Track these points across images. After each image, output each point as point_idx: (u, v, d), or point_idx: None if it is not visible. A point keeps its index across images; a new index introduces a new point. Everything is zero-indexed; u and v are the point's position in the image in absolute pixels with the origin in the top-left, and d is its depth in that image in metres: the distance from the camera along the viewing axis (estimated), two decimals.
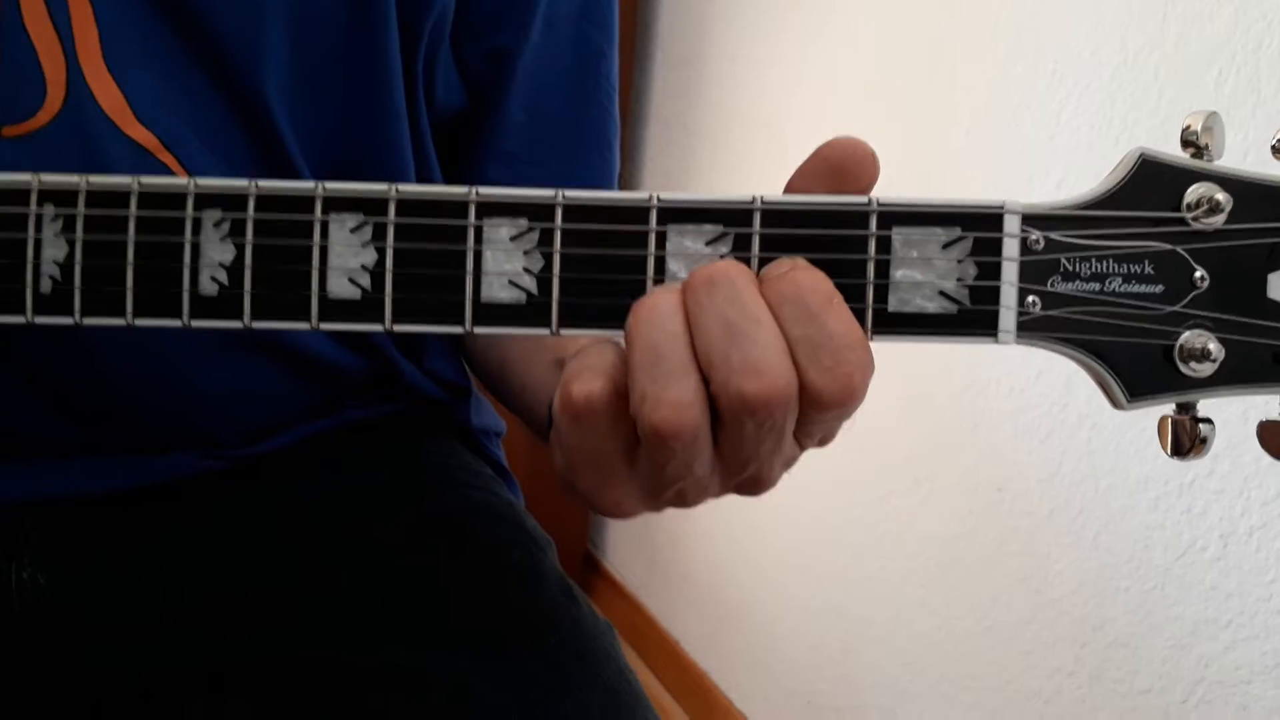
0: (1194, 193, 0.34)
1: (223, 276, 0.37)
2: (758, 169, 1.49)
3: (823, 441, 0.35)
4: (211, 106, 0.49)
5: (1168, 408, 0.36)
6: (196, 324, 0.37)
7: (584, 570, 1.92)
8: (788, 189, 0.35)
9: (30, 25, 0.45)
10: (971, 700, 1.10)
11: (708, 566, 1.59)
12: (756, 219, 0.34)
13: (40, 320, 0.38)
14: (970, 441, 1.09)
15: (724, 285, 0.32)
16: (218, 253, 0.37)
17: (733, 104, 1.57)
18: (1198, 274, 0.34)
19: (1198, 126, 0.35)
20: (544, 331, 0.35)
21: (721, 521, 1.55)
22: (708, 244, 0.34)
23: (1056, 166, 1.00)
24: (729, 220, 0.34)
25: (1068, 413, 0.99)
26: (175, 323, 0.37)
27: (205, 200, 0.37)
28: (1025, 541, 1.03)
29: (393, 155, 0.53)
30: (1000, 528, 1.06)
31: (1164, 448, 0.36)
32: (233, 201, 0.36)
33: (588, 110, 0.59)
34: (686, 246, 0.34)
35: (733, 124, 1.57)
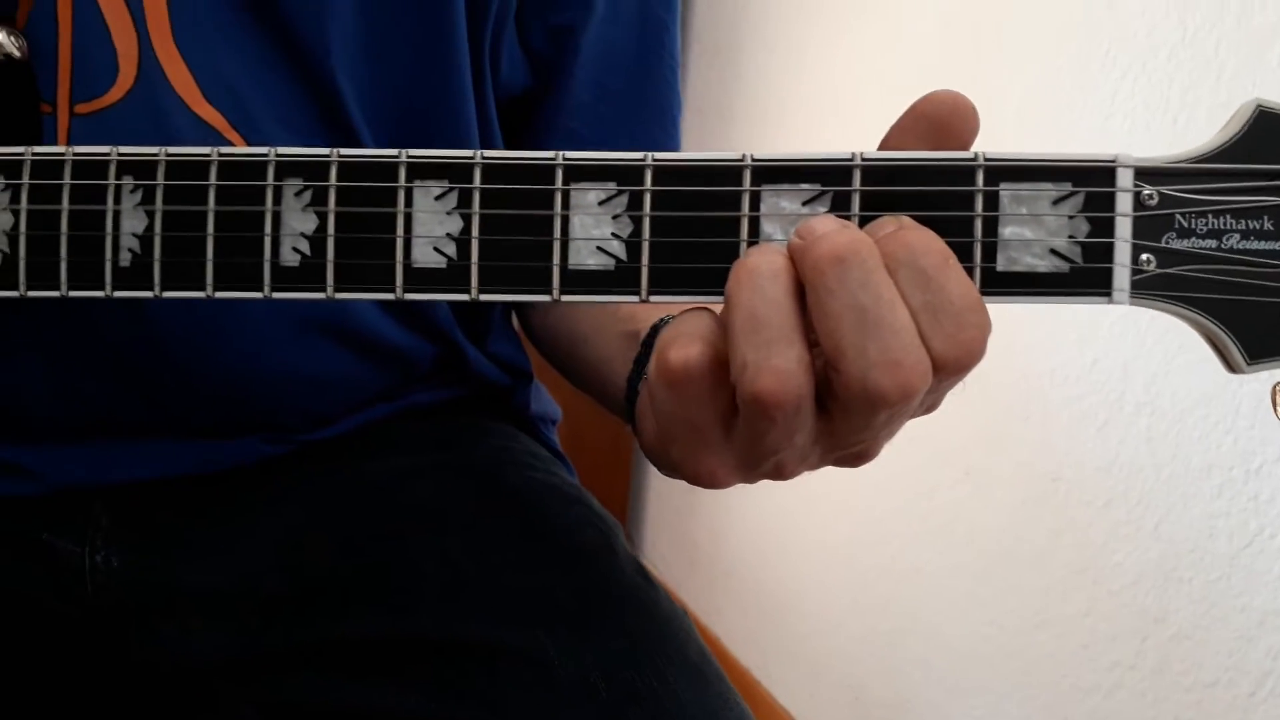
0: None
1: (304, 246, 0.36)
2: None
3: (929, 409, 0.34)
4: (279, 84, 0.49)
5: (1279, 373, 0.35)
6: (278, 295, 0.36)
7: None
8: (882, 147, 0.34)
9: (103, 1, 0.45)
10: (1025, 695, 1.08)
11: (750, 562, 1.57)
12: (856, 176, 0.32)
13: (119, 294, 0.37)
14: (1024, 431, 1.08)
15: (855, 267, 0.29)
16: (299, 222, 0.36)
17: (771, 93, 1.56)
18: None
19: None
20: (633, 298, 0.34)
21: (764, 516, 1.53)
22: (804, 204, 0.33)
23: (1111, 150, 0.98)
24: (827, 179, 0.33)
25: (1125, 400, 0.97)
26: (256, 294, 0.36)
27: (286, 169, 0.36)
28: (1082, 532, 1.01)
29: (459, 133, 0.53)
30: (1056, 518, 1.04)
31: (1278, 413, 0.35)
32: (314, 170, 0.36)
33: (652, 86, 0.58)
34: (783, 207, 0.33)
35: (771, 113, 1.56)
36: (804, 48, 1.48)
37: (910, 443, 1.27)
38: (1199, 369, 0.89)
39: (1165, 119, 0.93)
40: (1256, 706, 0.85)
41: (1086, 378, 1.00)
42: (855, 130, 1.39)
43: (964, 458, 1.15)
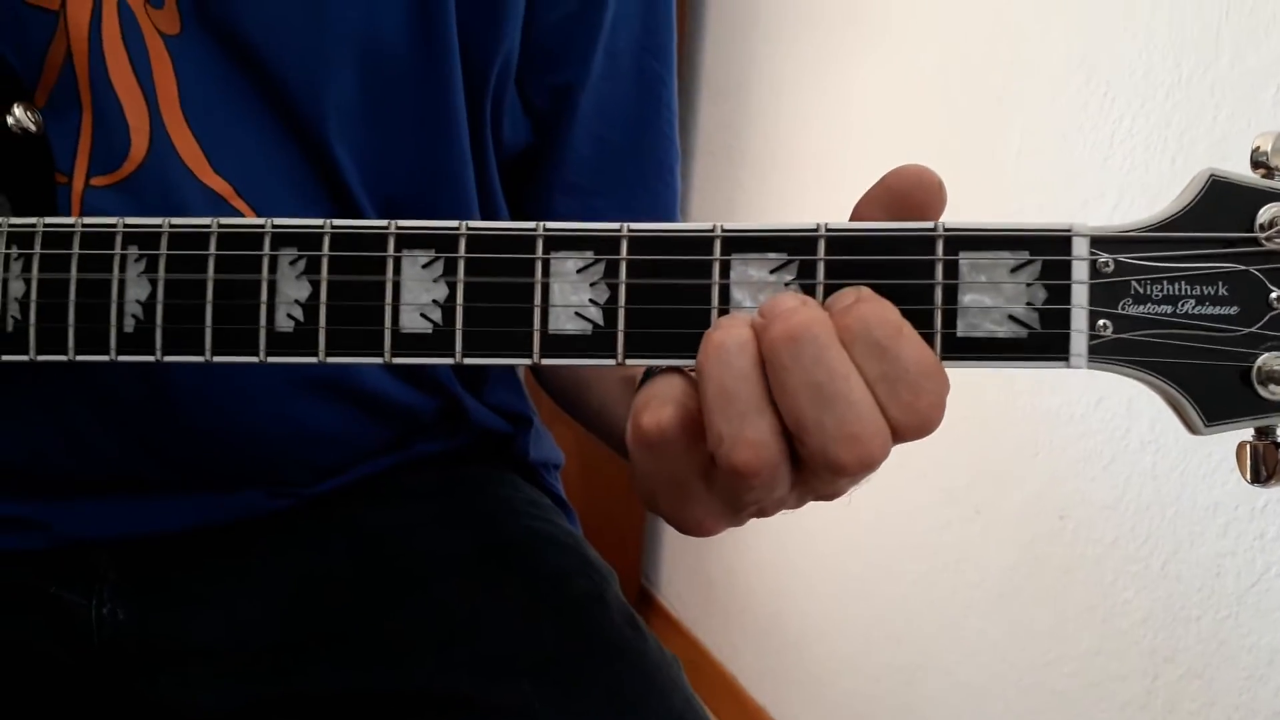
0: (1267, 213, 0.34)
1: (298, 313, 0.38)
2: (806, 199, 1.49)
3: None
4: (282, 154, 0.50)
5: (1246, 433, 0.35)
6: (272, 359, 0.38)
7: (638, 605, 1.91)
8: (853, 217, 0.35)
9: (115, 78, 0.47)
10: None
11: (765, 599, 1.57)
12: (821, 246, 0.34)
13: (123, 358, 0.39)
14: (1031, 468, 1.08)
15: (808, 344, 0.30)
16: (293, 290, 0.38)
17: (779, 135, 1.58)
18: (1274, 295, 0.33)
19: (1268, 147, 0.35)
20: (609, 361, 0.36)
21: (779, 554, 1.53)
22: (772, 272, 0.34)
23: (1111, 189, 0.99)
24: (793, 248, 0.34)
25: (1130, 438, 0.97)
26: (252, 359, 0.38)
27: (281, 239, 0.38)
28: (1090, 570, 1.01)
29: (458, 196, 0.54)
30: (1064, 556, 1.04)
31: (1243, 474, 0.35)
32: (308, 240, 0.37)
33: (650, 139, 0.60)
34: (751, 275, 0.34)
35: (780, 155, 1.57)
36: (812, 91, 1.50)
37: (921, 479, 1.27)
38: None
39: (1164, 158, 0.94)
40: None
41: (1092, 415, 1.00)
42: (866, 169, 1.39)
43: (973, 495, 1.15)
